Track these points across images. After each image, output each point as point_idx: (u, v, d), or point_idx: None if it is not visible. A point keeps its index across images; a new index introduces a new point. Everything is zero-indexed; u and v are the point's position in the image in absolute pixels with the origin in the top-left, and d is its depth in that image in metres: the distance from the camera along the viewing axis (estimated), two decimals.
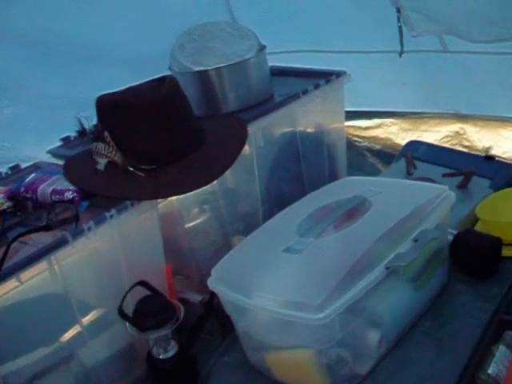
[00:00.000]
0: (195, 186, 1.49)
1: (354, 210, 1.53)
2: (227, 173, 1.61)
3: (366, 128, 2.63)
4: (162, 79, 1.57)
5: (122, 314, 1.40)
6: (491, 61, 2.15)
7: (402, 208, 1.49)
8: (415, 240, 1.43)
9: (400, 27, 2.08)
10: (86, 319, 1.43)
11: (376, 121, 2.62)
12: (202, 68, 1.77)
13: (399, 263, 1.37)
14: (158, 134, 1.50)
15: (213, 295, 1.55)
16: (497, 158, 2.17)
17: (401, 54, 2.15)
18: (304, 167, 1.96)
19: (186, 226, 1.70)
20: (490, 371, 1.29)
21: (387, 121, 2.59)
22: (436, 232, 1.47)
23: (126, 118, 1.49)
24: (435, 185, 1.71)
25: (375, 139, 2.58)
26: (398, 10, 2.04)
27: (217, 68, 1.76)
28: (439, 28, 2.02)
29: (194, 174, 1.50)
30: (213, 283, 1.46)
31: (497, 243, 1.69)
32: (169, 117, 1.50)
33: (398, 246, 1.41)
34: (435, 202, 1.55)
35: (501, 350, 1.33)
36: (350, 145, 2.51)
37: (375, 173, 2.31)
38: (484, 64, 2.19)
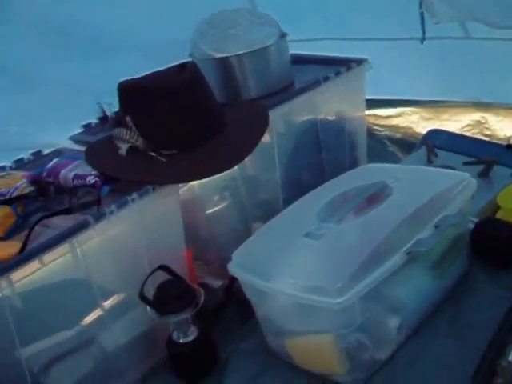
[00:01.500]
0: (215, 171, 1.50)
1: (374, 196, 1.53)
2: (248, 159, 1.61)
3: (387, 117, 2.62)
4: (183, 65, 1.58)
5: (142, 297, 1.41)
6: None
7: (422, 194, 1.49)
8: (436, 226, 1.43)
9: (422, 13, 2.08)
10: (107, 303, 1.44)
11: (397, 109, 2.62)
12: (223, 55, 1.78)
13: (419, 248, 1.37)
14: (179, 120, 1.50)
15: (233, 280, 1.56)
16: None
17: (422, 40, 2.15)
18: (324, 155, 1.96)
19: (207, 211, 1.71)
20: (510, 358, 1.29)
21: (408, 109, 2.59)
22: (456, 218, 1.47)
23: (147, 104, 1.50)
24: (456, 172, 1.71)
25: (396, 128, 2.57)
26: None
27: (238, 55, 1.77)
28: (462, 14, 2.01)
29: (215, 160, 1.51)
30: (233, 267, 1.47)
31: None
32: (190, 102, 1.51)
33: (418, 232, 1.41)
34: (456, 188, 1.54)
35: None
36: (371, 133, 2.50)
37: (396, 161, 2.30)
38: (507, 51, 2.17)
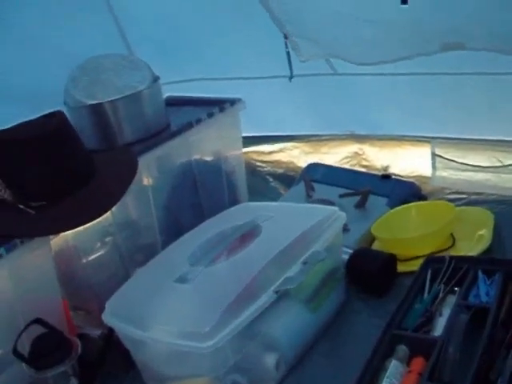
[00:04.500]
0: (85, 220, 1.49)
1: (246, 236, 1.55)
2: (124, 205, 1.61)
3: (270, 153, 2.67)
4: (51, 115, 1.57)
5: (16, 354, 1.38)
6: (379, 81, 2.21)
7: (291, 231, 1.52)
8: (304, 263, 1.46)
9: (288, 53, 2.13)
10: None
11: (279, 145, 2.67)
12: (95, 101, 1.77)
13: (288, 286, 1.40)
14: (46, 170, 1.49)
15: (111, 329, 1.55)
16: (393, 177, 2.23)
17: (291, 78, 2.20)
18: (202, 196, 1.98)
19: (84, 260, 1.69)
20: None
21: (289, 145, 2.64)
22: (324, 253, 1.50)
23: (13, 155, 1.48)
24: (326, 206, 1.74)
25: (278, 163, 2.62)
26: (285, 36, 2.09)
27: (110, 101, 1.77)
28: (325, 52, 2.07)
29: (84, 209, 1.50)
30: (107, 317, 1.46)
31: (390, 260, 1.73)
32: (56, 152, 1.50)
33: (287, 270, 1.44)
34: (325, 223, 1.58)
35: (394, 364, 1.35)
36: (253, 170, 2.55)
37: (277, 197, 2.34)
38: (371, 84, 2.25)
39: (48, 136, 1.50)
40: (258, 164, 2.63)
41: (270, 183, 2.52)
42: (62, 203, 1.50)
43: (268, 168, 2.61)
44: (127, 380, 1.61)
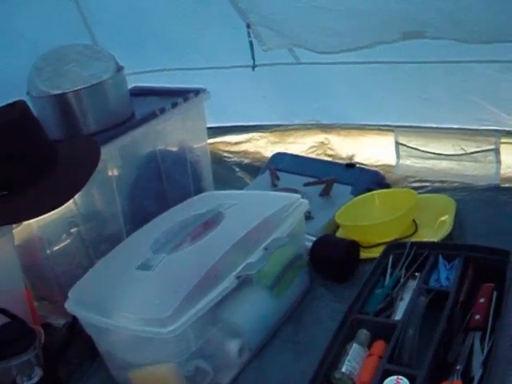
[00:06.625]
0: (47, 209, 1.48)
1: (208, 223, 1.56)
2: (89, 196, 1.61)
3: (236, 143, 2.69)
4: (12, 105, 1.56)
5: None
6: (342, 70, 2.23)
7: (253, 218, 1.53)
8: (266, 248, 1.47)
9: (250, 42, 2.14)
10: None
11: (245, 135, 2.69)
12: (59, 91, 1.76)
13: (249, 272, 1.41)
14: (7, 160, 1.48)
15: (76, 318, 1.55)
16: (357, 165, 2.25)
17: (253, 67, 2.21)
18: (167, 185, 1.98)
19: (49, 251, 1.68)
20: (343, 369, 1.33)
21: (256, 135, 2.66)
22: (286, 239, 1.51)
23: None
24: (288, 194, 1.76)
25: (244, 153, 2.63)
26: (248, 26, 2.09)
27: (74, 91, 1.76)
28: (287, 42, 2.08)
29: (46, 198, 1.49)
30: (70, 305, 1.46)
31: (352, 246, 1.75)
32: (18, 142, 1.49)
33: (249, 256, 1.45)
34: (287, 210, 1.59)
35: (354, 348, 1.37)
36: (220, 160, 2.56)
37: (243, 187, 2.34)
38: (334, 74, 2.27)
39: (9, 125, 1.49)
40: (225, 154, 2.65)
41: (236, 173, 2.53)
42: (24, 193, 1.49)
43: (234, 158, 2.62)
44: (91, 369, 1.61)
